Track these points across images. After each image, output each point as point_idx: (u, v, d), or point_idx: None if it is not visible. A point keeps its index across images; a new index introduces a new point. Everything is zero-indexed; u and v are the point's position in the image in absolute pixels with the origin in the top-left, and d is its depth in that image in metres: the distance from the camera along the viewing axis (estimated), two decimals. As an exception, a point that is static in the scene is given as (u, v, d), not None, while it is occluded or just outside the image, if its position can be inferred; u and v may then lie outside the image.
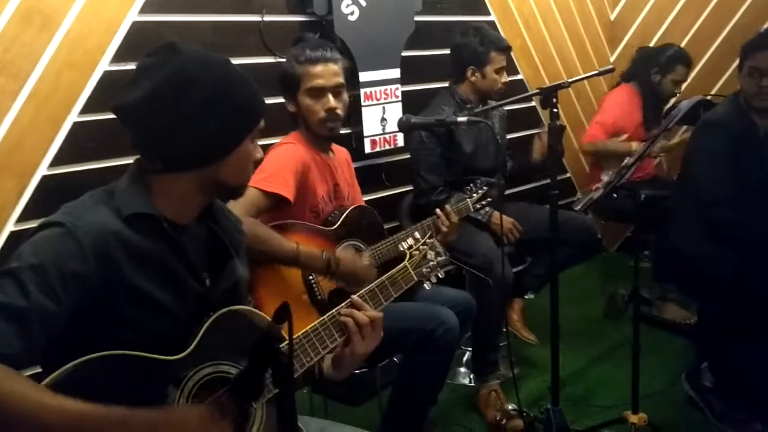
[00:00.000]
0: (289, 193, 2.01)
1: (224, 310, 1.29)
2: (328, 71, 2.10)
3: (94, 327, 1.16)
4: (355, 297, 1.46)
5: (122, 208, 1.21)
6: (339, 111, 2.13)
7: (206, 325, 1.26)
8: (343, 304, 1.44)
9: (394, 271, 1.62)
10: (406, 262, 1.66)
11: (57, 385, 1.08)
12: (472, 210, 2.56)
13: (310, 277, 2.05)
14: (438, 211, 2.34)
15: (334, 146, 2.32)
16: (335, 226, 2.16)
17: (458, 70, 2.92)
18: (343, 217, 2.18)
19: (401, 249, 1.81)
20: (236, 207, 1.87)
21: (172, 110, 1.19)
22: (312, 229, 2.11)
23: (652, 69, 3.60)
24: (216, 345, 1.26)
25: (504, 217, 2.69)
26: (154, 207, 1.24)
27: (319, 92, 2.10)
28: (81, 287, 1.13)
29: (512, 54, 3.85)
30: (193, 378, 1.22)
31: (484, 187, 2.57)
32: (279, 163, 2.05)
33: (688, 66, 3.57)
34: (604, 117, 3.68)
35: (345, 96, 2.17)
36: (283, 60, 2.70)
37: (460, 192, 2.73)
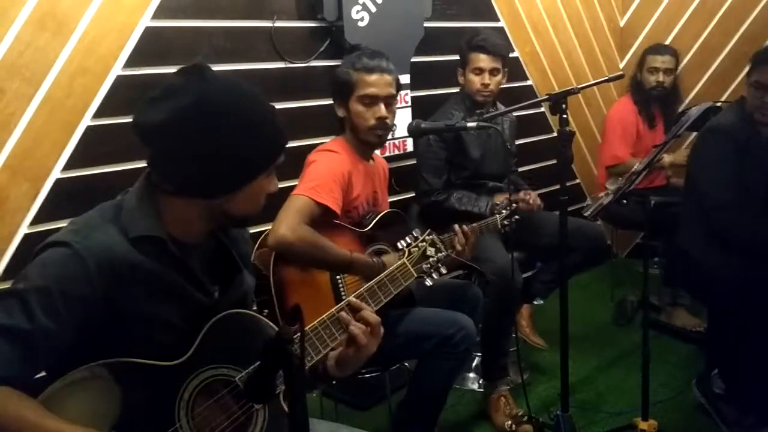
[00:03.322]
0: (336, 206, 2.05)
1: (222, 314, 1.28)
2: (382, 81, 2.15)
3: (100, 342, 1.16)
4: (352, 298, 1.44)
5: (129, 229, 1.20)
6: (389, 120, 2.19)
7: (205, 329, 1.26)
8: (340, 304, 1.42)
9: (392, 268, 1.62)
10: (404, 259, 1.66)
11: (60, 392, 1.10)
12: (500, 227, 2.53)
13: (338, 277, 2.06)
14: (456, 227, 2.25)
15: (375, 155, 2.36)
16: (367, 229, 2.19)
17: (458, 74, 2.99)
18: (375, 220, 2.21)
19: (400, 247, 1.81)
20: (291, 216, 1.93)
21: (193, 139, 1.17)
22: (344, 229, 2.14)
23: (636, 71, 3.70)
24: (215, 348, 1.26)
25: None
26: (162, 227, 1.23)
27: (372, 100, 2.15)
28: (86, 309, 1.13)
29: (521, 59, 3.87)
30: (193, 382, 1.23)
31: (514, 205, 2.53)
32: (327, 173, 2.08)
33: (664, 53, 3.59)
34: (611, 137, 3.70)
35: (395, 107, 2.24)
36: (294, 65, 2.75)
37: (466, 191, 2.73)
